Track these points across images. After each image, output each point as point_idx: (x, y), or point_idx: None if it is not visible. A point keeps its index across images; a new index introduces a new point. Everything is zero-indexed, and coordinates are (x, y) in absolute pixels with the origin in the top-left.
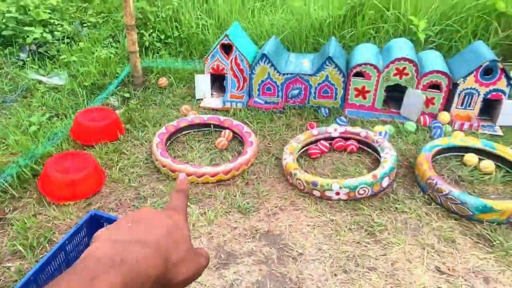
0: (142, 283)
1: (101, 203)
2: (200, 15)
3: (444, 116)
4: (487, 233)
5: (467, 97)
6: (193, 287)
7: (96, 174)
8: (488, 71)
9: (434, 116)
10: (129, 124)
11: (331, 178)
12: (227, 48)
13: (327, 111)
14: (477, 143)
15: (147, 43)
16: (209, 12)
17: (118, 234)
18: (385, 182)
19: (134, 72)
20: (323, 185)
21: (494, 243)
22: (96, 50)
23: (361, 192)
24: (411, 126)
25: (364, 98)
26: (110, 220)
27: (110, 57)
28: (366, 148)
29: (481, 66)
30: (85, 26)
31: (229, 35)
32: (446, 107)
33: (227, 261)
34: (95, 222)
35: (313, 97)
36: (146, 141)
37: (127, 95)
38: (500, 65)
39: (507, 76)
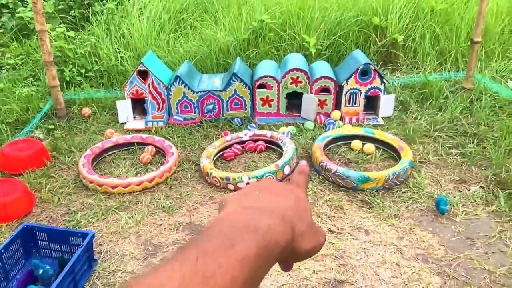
0: (272, 250)
1: (33, 221)
2: (118, 49)
3: (336, 114)
4: (368, 199)
5: (352, 96)
6: (121, 277)
7: (26, 196)
8: (364, 73)
9: (328, 115)
10: (55, 152)
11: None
12: (143, 74)
13: (239, 120)
14: (360, 131)
15: (68, 78)
16: (126, 45)
17: (247, 201)
18: (286, 170)
19: (57, 105)
20: (235, 179)
21: (373, 204)
22: (17, 90)
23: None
24: (309, 125)
25: (270, 106)
26: (42, 229)
27: (32, 94)
28: (272, 146)
29: (358, 69)
30: (4, 69)
31: (144, 62)
32: (337, 106)
33: (154, 252)
34: (29, 233)
35: (226, 110)
36: (73, 165)
37: (51, 126)
38: (372, 67)
39: (380, 76)
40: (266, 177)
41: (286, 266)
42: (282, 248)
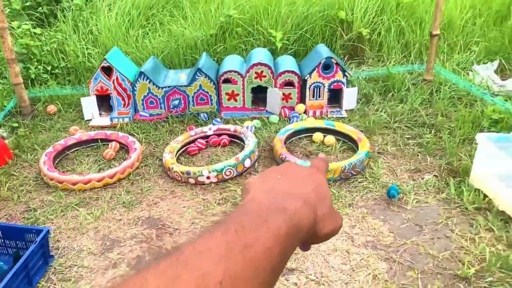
0: (298, 231)
1: None
2: (86, 45)
3: (300, 107)
4: None
5: (315, 89)
6: (77, 272)
7: None
8: (326, 67)
9: (292, 108)
10: (18, 150)
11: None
12: (108, 70)
13: (206, 115)
14: (321, 124)
15: (33, 75)
16: (94, 42)
17: (270, 184)
18: (247, 163)
19: (21, 102)
20: (195, 173)
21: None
22: None
23: (228, 173)
24: (274, 118)
25: (235, 100)
26: None
27: None
28: (236, 140)
29: (320, 63)
30: None
31: (108, 58)
32: (302, 100)
33: (112, 246)
34: None
35: (192, 105)
36: (35, 162)
37: (15, 124)
38: (334, 60)
39: (342, 69)
40: (226, 170)
41: (305, 247)
42: (306, 230)
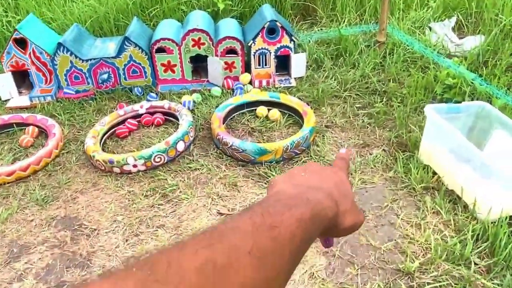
0: (322, 219)
1: None
2: (4, 12)
3: (245, 77)
4: (264, 172)
5: (261, 56)
6: None
7: None
8: (271, 31)
9: (237, 79)
10: None
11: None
12: (22, 43)
13: (140, 90)
14: (265, 97)
15: None
16: (15, 8)
17: (296, 180)
18: (180, 146)
19: None
20: (119, 161)
21: (269, 178)
22: None
23: (157, 160)
24: (216, 91)
25: (173, 72)
26: None
27: None
28: (171, 118)
29: (264, 27)
30: None
31: (20, 29)
32: (248, 69)
33: (19, 254)
34: None
35: (124, 79)
36: None
37: None
38: (279, 24)
39: (288, 33)
40: (155, 157)
41: (327, 243)
42: (329, 220)
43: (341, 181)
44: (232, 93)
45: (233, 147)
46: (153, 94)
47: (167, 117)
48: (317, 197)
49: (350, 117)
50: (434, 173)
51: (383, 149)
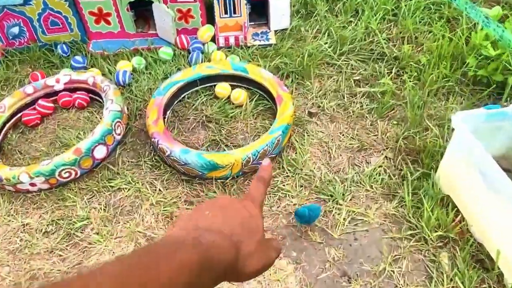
0: (215, 266)
1: None
2: None
3: (205, 32)
4: (212, 194)
5: (228, 1)
6: None
7: None
8: None
9: (195, 33)
10: None
11: (21, 166)
12: None
13: (65, 48)
14: (228, 68)
15: None
16: None
17: (196, 220)
18: (99, 153)
19: None
20: (9, 179)
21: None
22: None
23: (65, 175)
24: (165, 53)
25: (108, 23)
26: None
27: None
28: (99, 98)
29: None
30: None
31: None
32: (210, 19)
33: None
34: None
35: (43, 33)
36: None
37: None
38: None
39: None
40: (60, 172)
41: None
42: (227, 264)
43: (249, 218)
44: (187, 57)
45: (171, 157)
46: (79, 58)
47: (93, 96)
48: (212, 240)
49: (344, 98)
50: (457, 211)
51: (386, 157)
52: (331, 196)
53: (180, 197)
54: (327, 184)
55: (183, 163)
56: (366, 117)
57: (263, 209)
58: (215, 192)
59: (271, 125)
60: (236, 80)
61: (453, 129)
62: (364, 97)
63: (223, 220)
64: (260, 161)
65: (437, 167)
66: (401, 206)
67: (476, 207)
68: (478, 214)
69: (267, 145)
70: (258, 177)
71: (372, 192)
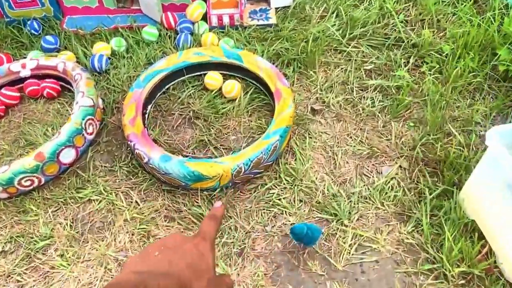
0: None
1: None
2: None
3: (194, 9)
4: (195, 212)
5: None
6: None
7: None
8: None
9: (183, 10)
10: None
11: None
12: None
13: (35, 25)
14: (219, 56)
15: None
16: None
17: (143, 264)
18: (67, 156)
19: None
20: None
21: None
22: None
23: (26, 183)
24: (149, 33)
25: None
26: None
27: None
28: (71, 87)
29: None
30: None
31: None
32: None
33: None
34: None
35: (10, 7)
36: None
37: None
38: None
39: None
40: (19, 180)
41: None
42: None
43: (199, 257)
44: (174, 39)
45: (150, 164)
46: (50, 39)
47: (65, 85)
48: (157, 284)
49: (353, 92)
50: (485, 241)
51: (400, 166)
52: (335, 215)
53: (159, 212)
54: (331, 199)
55: (163, 173)
56: (378, 116)
57: (214, 244)
58: (199, 206)
59: (267, 124)
60: (229, 69)
61: (480, 137)
62: (376, 91)
63: (171, 261)
64: (254, 171)
65: (460, 182)
66: (417, 231)
67: (508, 238)
68: (511, 248)
69: (261, 152)
70: (210, 216)
71: (383, 210)
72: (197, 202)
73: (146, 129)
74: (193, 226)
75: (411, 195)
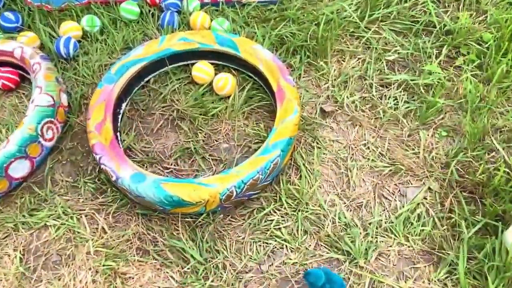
0: None
1: None
2: None
3: None
4: (176, 242)
5: None
6: None
7: None
8: None
9: None
10: None
11: None
12: None
13: None
14: (210, 43)
15: None
16: None
17: None
18: (19, 170)
19: None
20: None
21: (192, 261)
22: None
23: None
24: (129, 10)
25: None
26: None
27: None
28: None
29: None
30: None
31: None
32: None
33: None
34: None
35: None
36: None
37: None
38: None
39: None
40: None
41: None
42: None
43: None
44: (158, 18)
45: (119, 184)
46: (10, 16)
47: (24, 74)
48: None
49: (372, 89)
50: None
51: (430, 189)
52: (348, 253)
53: (131, 243)
54: (343, 230)
55: (135, 195)
56: (403, 122)
57: None
58: (180, 238)
59: (267, 130)
60: (222, 59)
61: None
62: (400, 89)
63: None
64: (249, 193)
65: (506, 215)
66: (451, 279)
67: None
68: None
69: (258, 172)
70: None
71: (408, 247)
72: (177, 230)
73: (118, 134)
74: (171, 262)
75: (443, 229)
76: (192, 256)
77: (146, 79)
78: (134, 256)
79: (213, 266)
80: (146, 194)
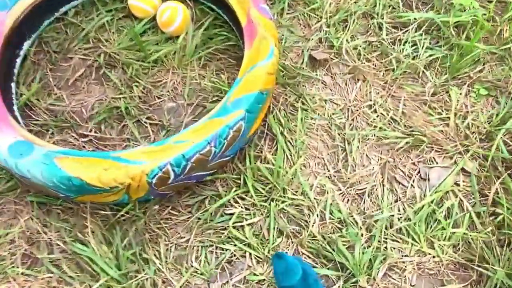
0: None
1: None
2: None
3: None
4: (80, 246)
5: None
6: None
7: None
8: None
9: None
10: None
11: None
12: None
13: None
14: None
15: None
16: None
17: None
18: None
19: None
20: None
21: (106, 278)
22: None
23: None
24: None
25: None
26: None
27: None
28: None
29: None
30: None
31: None
32: None
33: None
34: None
35: None
36: None
37: None
38: None
39: None
40: None
41: None
42: None
43: None
44: None
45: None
46: None
47: None
48: None
49: (381, 31)
50: None
51: (464, 169)
52: (343, 267)
53: (16, 246)
54: (337, 231)
55: (19, 175)
56: (424, 75)
57: None
58: (89, 241)
59: (231, 84)
60: None
61: None
62: (421, 31)
63: None
64: (196, 174)
65: None
66: None
67: None
68: None
69: (209, 142)
70: None
71: (433, 258)
72: (86, 229)
73: (13, 84)
74: (72, 278)
75: (485, 231)
76: (102, 270)
77: (62, 9)
78: (18, 267)
79: (137, 286)
80: (31, 174)
